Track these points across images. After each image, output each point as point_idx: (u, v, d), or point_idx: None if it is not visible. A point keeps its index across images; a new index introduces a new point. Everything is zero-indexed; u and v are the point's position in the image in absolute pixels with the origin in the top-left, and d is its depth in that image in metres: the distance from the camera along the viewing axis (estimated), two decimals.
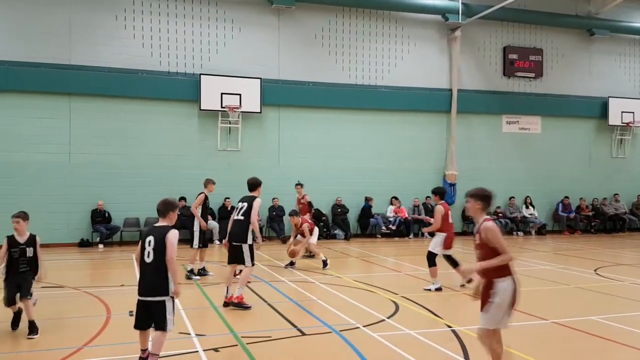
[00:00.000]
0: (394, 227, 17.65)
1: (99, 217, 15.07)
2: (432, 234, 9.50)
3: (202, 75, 16.13)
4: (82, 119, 15.31)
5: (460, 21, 18.36)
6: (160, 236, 4.96)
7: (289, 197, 16.99)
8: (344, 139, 17.84)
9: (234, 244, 7.89)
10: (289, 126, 17.36)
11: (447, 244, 9.07)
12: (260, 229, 13.41)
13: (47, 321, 6.87)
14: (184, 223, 11.04)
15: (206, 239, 10.51)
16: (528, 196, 19.59)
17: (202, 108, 16.19)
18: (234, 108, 16.29)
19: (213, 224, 15.80)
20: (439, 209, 8.94)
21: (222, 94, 16.22)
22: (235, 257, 7.91)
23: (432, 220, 9.57)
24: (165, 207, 5.16)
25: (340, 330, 6.56)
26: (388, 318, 7.33)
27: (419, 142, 18.70)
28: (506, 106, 19.71)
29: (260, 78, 16.61)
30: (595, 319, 7.34)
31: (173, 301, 5.03)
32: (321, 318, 7.27)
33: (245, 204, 7.91)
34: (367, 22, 18.25)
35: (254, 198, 7.96)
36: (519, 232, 19.13)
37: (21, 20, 14.79)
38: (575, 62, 20.67)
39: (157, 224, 5.15)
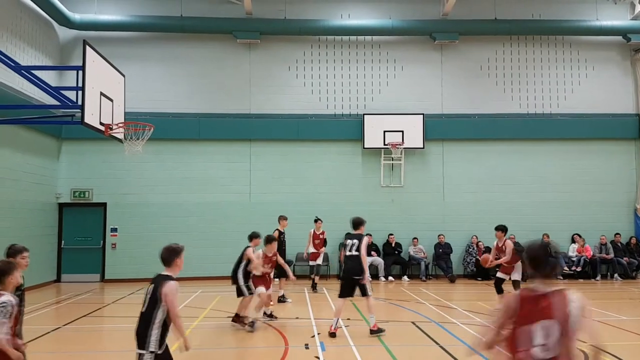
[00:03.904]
0: (578, 268, 15.96)
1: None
2: (497, 267, 10.63)
3: (365, 115, 16.68)
4: (260, 161, 16.80)
5: None
6: (156, 287, 4.50)
7: (455, 233, 16.55)
8: (514, 172, 16.90)
9: (354, 277, 8.56)
10: (453, 160, 17.00)
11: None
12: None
13: (230, 349, 7.47)
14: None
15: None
16: None
17: (365, 146, 16.67)
18: (397, 145, 16.48)
19: (378, 260, 15.96)
20: (509, 243, 10.28)
21: (384, 131, 16.56)
22: (351, 291, 8.64)
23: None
24: (169, 255, 4.63)
25: None
26: None
27: (601, 173, 16.91)
28: None
29: (423, 114, 16.63)
30: None
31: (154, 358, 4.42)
32: None
33: (357, 241, 8.63)
34: (537, 49, 17.30)
35: (362, 236, 8.70)
36: None
37: (210, 79, 16.88)
38: None
39: (160, 272, 4.65)
